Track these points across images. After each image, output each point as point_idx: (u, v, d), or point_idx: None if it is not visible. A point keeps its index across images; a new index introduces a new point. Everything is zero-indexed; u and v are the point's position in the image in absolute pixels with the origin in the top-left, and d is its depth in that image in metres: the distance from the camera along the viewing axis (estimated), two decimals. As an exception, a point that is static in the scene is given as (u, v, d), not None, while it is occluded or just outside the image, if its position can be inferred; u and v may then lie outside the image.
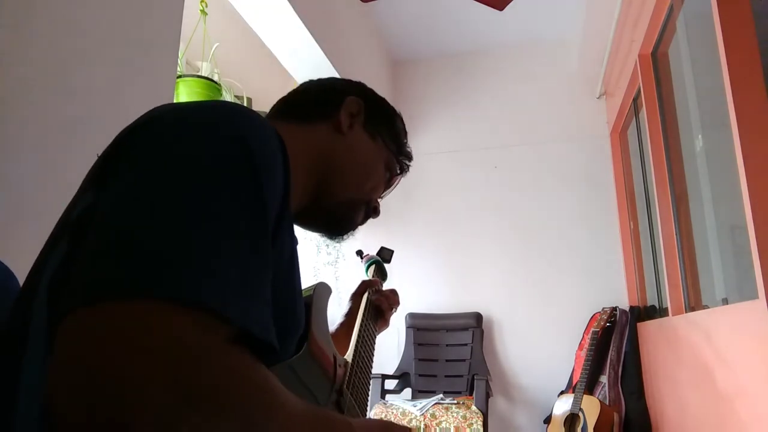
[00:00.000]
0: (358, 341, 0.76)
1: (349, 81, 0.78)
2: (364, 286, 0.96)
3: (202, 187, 0.37)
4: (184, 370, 0.29)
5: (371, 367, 0.77)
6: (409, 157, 0.81)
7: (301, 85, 0.77)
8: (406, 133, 0.80)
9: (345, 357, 0.70)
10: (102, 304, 0.30)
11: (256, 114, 0.47)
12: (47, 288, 0.41)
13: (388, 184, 0.79)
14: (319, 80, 0.77)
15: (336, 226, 0.73)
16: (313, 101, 0.72)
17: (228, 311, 0.33)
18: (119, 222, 0.35)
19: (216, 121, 0.43)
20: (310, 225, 0.73)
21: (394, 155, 0.77)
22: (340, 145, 0.69)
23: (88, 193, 0.44)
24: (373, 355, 0.80)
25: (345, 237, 0.75)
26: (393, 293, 0.97)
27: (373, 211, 0.76)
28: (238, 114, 0.45)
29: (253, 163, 0.41)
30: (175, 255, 0.33)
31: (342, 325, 0.89)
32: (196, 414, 0.28)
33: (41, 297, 0.41)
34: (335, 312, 0.91)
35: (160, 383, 0.28)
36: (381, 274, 1.07)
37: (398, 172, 0.79)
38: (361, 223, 0.75)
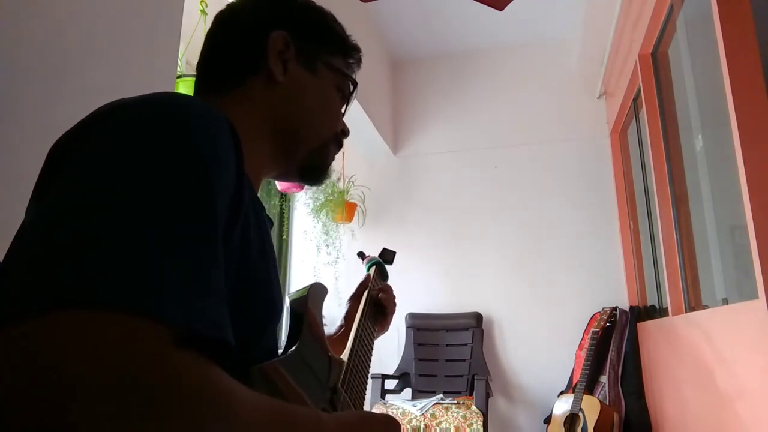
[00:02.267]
0: (355, 341, 0.75)
1: (263, 3, 0.68)
2: (362, 287, 0.96)
3: (140, 185, 0.35)
4: (127, 376, 0.28)
5: (369, 367, 0.77)
6: (357, 51, 0.73)
7: (215, 31, 0.67)
8: (343, 29, 0.72)
9: (341, 356, 0.70)
10: (40, 314, 0.29)
11: (201, 104, 0.45)
12: None
13: (347, 101, 0.73)
14: (231, 18, 0.67)
15: (315, 174, 0.71)
16: (235, 58, 0.64)
17: (169, 312, 0.32)
18: (51, 226, 0.33)
19: (157, 116, 0.42)
20: (291, 180, 0.72)
21: (341, 72, 0.69)
22: (282, 98, 0.63)
23: (30, 208, 0.43)
24: (371, 355, 0.80)
25: (326, 178, 0.72)
26: (389, 290, 0.96)
27: (342, 135, 0.72)
28: (181, 107, 0.43)
29: (198, 155, 0.39)
30: (113, 257, 0.31)
31: (342, 325, 0.89)
32: (143, 419, 0.28)
33: None
34: (335, 312, 0.91)
35: (103, 392, 0.27)
36: (382, 275, 1.07)
37: (352, 88, 0.72)
38: (337, 152, 0.72)
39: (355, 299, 0.94)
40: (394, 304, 0.95)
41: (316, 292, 0.68)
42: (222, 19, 0.68)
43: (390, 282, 1.07)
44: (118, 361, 0.29)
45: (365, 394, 0.71)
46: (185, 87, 1.92)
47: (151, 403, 0.28)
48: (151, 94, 0.45)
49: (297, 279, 3.76)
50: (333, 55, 0.69)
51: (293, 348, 0.56)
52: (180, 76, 1.91)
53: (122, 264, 0.32)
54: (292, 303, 0.65)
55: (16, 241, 0.40)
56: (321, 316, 0.68)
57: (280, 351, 0.57)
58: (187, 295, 0.33)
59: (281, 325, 0.59)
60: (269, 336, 0.54)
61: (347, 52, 0.71)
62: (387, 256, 1.10)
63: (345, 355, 0.71)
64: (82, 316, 0.29)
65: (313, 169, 0.70)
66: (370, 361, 0.79)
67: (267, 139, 0.63)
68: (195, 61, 0.67)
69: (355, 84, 0.72)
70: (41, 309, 0.29)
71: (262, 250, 0.52)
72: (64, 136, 0.44)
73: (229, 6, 0.69)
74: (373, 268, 1.06)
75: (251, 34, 0.64)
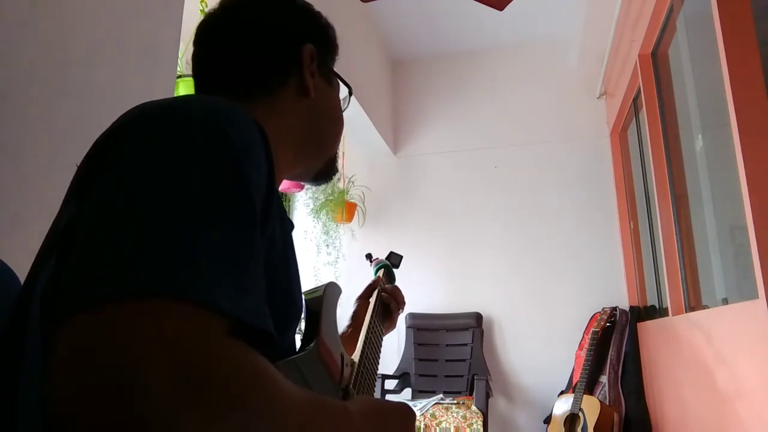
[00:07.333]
0: (365, 342, 0.76)
1: (291, 7, 0.67)
2: (372, 288, 0.97)
3: (185, 182, 0.37)
4: (185, 362, 0.29)
5: (377, 368, 0.78)
6: (335, 38, 0.73)
7: (228, 32, 0.64)
8: (330, 24, 0.72)
9: (352, 357, 0.71)
10: (100, 306, 0.30)
11: (235, 107, 0.47)
12: (40, 304, 0.41)
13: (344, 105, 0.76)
14: (251, 24, 0.64)
15: (326, 176, 0.75)
16: (265, 68, 0.63)
17: (221, 303, 0.33)
18: (106, 223, 0.35)
19: (196, 116, 0.43)
20: (302, 181, 0.76)
21: (341, 79, 0.72)
22: (310, 112, 0.65)
23: (71, 205, 0.44)
24: (379, 356, 0.81)
25: (332, 178, 0.77)
26: (398, 290, 0.98)
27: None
28: (217, 108, 0.45)
29: (235, 155, 0.41)
30: (166, 251, 0.33)
31: (350, 325, 0.90)
32: (201, 404, 0.29)
33: (34, 314, 0.41)
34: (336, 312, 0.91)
35: (164, 376, 0.28)
36: (389, 278, 1.08)
37: (349, 92, 0.75)
38: None
39: (363, 299, 0.95)
40: (398, 303, 0.96)
41: (331, 292, 0.69)
42: (236, 22, 0.65)
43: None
44: (179, 345, 0.30)
45: (374, 394, 0.72)
46: (185, 87, 1.92)
47: (213, 385, 0.30)
48: (183, 97, 0.47)
49: (297, 279, 3.75)
50: (333, 59, 0.72)
51: (309, 347, 0.56)
52: (180, 76, 1.91)
53: (170, 258, 0.33)
54: (307, 302, 0.66)
55: (56, 237, 0.42)
56: (335, 316, 0.69)
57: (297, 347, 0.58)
58: (236, 289, 0.35)
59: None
60: (287, 333, 0.54)
61: (336, 48, 0.73)
62: (394, 259, 1.12)
63: (356, 356, 0.72)
64: (151, 306, 0.31)
65: (327, 173, 0.74)
66: (379, 361, 0.80)
67: (292, 149, 0.65)
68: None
69: (350, 90, 0.75)
70: (99, 302, 0.31)
71: (283, 253, 0.53)
72: (106, 133, 0.45)
73: (241, 5, 0.66)
74: (381, 271, 1.07)
75: (283, 46, 0.64)
